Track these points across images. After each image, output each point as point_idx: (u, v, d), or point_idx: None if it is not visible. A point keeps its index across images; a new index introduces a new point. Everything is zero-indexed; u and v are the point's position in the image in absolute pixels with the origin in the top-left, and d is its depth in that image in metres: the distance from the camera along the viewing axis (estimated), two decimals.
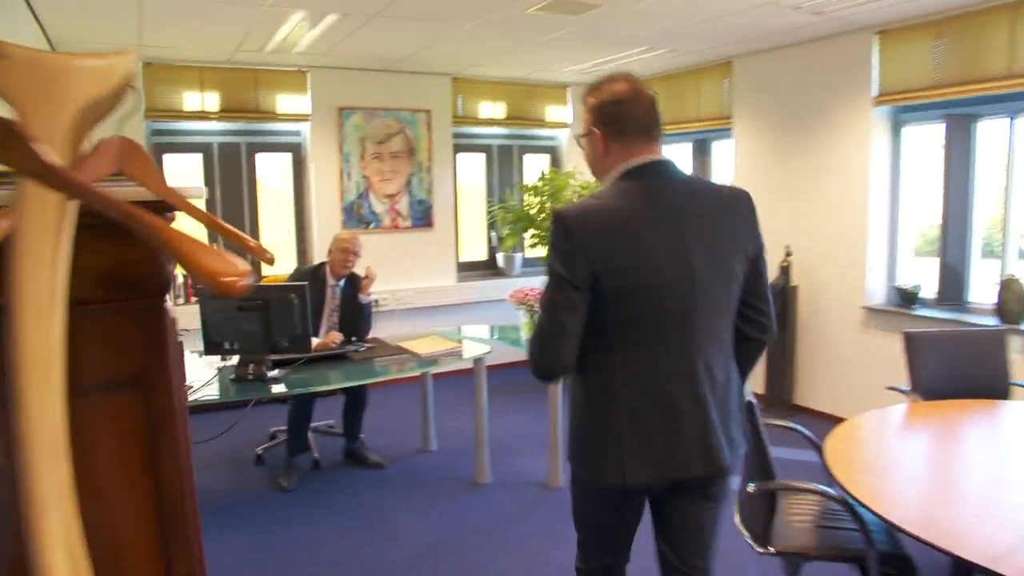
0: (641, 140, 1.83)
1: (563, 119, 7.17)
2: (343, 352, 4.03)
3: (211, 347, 3.58)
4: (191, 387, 3.39)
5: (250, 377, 3.45)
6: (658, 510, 1.98)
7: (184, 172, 5.81)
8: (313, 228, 6.12)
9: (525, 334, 4.56)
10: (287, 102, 5.90)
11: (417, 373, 3.90)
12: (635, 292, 1.75)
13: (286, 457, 4.34)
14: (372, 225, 6.33)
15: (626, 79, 1.86)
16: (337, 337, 4.19)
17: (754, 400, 2.14)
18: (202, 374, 3.65)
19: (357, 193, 6.24)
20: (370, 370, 3.87)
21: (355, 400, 4.47)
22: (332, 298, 4.44)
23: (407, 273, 6.50)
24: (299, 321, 3.52)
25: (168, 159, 5.72)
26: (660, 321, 1.78)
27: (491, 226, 7.05)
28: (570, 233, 1.74)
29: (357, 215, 6.26)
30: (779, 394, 5.51)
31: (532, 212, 6.28)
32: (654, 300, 1.76)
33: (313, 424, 4.81)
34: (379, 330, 6.33)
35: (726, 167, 6.28)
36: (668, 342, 1.79)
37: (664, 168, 1.85)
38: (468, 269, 6.96)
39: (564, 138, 7.30)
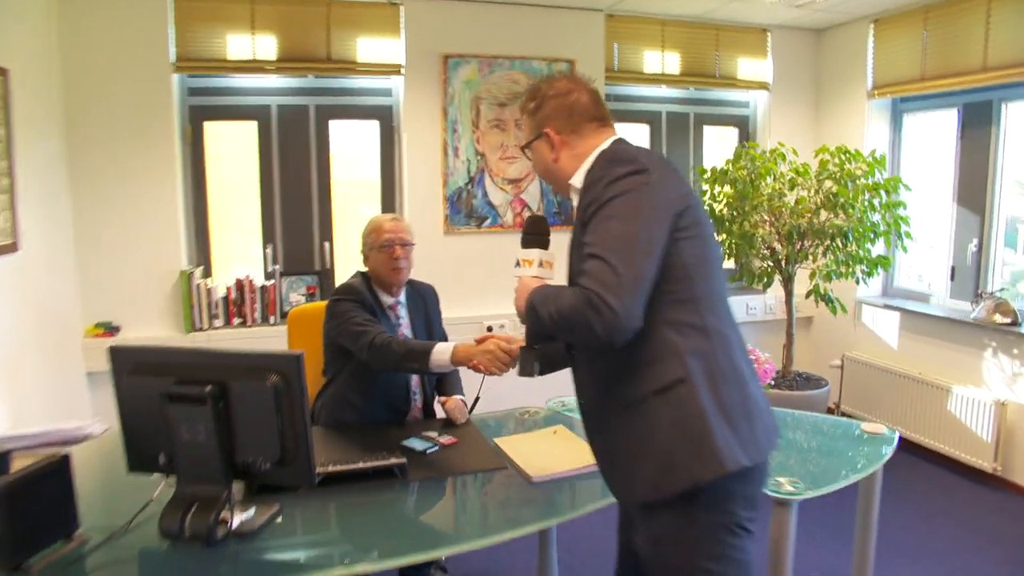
0: (596, 128, 1.74)
1: (761, 76, 5.07)
2: (393, 465, 2.22)
3: (137, 460, 1.90)
4: (87, 537, 1.74)
5: (186, 534, 1.74)
6: None
7: (233, 145, 4.27)
8: None
9: None
10: (372, 48, 4.22)
11: (529, 531, 2.01)
12: (706, 235, 1.62)
13: None
14: (488, 223, 4.57)
15: (563, 77, 1.82)
16: (459, 412, 2.68)
17: None
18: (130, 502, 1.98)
19: (467, 176, 4.49)
20: (438, 523, 2.07)
21: None
22: (398, 328, 2.73)
23: None
24: (290, 422, 1.77)
25: (211, 128, 4.18)
26: (719, 270, 1.67)
27: None
28: (643, 167, 1.54)
29: (466, 208, 4.51)
30: None
31: (719, 207, 4.29)
32: (713, 248, 1.66)
33: None
34: (492, 380, 4.56)
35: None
36: (724, 295, 1.66)
37: None
38: None
39: (762, 103, 5.19)
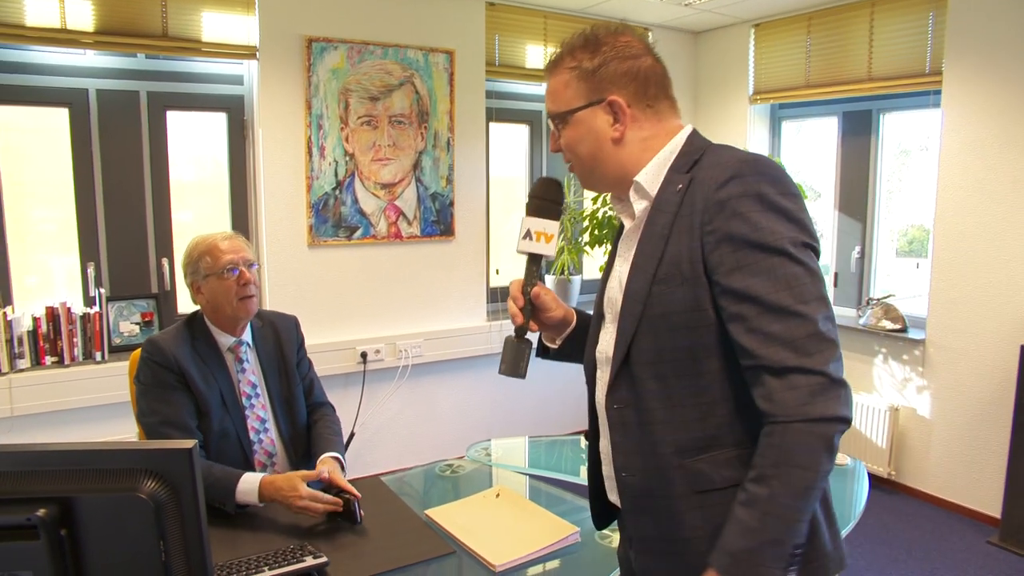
0: (670, 109, 1.33)
1: None
2: (311, 568, 1.64)
3: None
4: None
5: None
6: None
7: (35, 137, 3.40)
8: (261, 239, 3.75)
9: None
10: (220, 25, 3.52)
11: None
12: None
13: None
14: (359, 233, 3.98)
15: (625, 29, 1.36)
16: (329, 496, 1.91)
17: None
18: None
19: (335, 181, 3.89)
20: None
21: None
22: (239, 377, 2.12)
23: (413, 309, 4.16)
24: (179, 553, 1.18)
25: (1, 114, 3.29)
26: None
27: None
28: (795, 189, 1.17)
29: (334, 216, 3.91)
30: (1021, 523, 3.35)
31: (613, 214, 3.98)
32: None
33: None
34: (368, 414, 3.99)
35: (907, 151, 4.04)
36: None
37: None
38: (503, 299, 4.63)
39: None
